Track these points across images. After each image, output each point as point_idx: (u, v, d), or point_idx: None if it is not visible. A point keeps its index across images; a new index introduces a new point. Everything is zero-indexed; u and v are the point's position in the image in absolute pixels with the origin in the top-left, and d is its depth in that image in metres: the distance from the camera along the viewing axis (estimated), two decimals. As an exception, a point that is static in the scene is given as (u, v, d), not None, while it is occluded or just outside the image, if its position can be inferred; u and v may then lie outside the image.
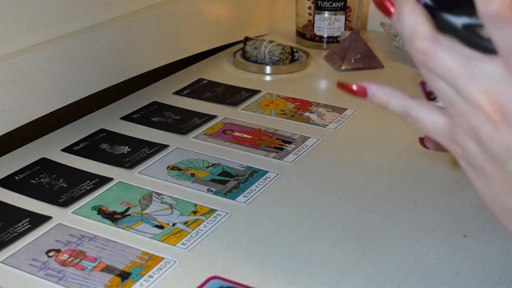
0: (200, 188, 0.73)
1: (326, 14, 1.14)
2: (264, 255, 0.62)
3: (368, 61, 1.08)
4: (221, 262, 0.62)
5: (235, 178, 0.75)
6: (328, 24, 1.15)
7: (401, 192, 0.73)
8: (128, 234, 0.65)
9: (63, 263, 0.61)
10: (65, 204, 0.70)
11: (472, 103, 0.40)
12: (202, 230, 0.66)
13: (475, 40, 0.39)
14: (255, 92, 0.99)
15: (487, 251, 0.63)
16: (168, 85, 1.01)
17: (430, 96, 0.53)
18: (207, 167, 0.77)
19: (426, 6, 0.42)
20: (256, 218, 0.68)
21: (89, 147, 0.82)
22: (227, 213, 0.69)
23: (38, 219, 0.68)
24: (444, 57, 0.40)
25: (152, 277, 0.59)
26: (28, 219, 0.67)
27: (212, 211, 0.69)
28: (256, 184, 0.74)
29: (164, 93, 0.98)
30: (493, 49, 0.39)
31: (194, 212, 0.69)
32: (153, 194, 0.72)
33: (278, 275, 0.60)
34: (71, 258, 0.62)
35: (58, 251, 0.63)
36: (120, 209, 0.69)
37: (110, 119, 0.90)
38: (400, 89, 0.48)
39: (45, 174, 0.76)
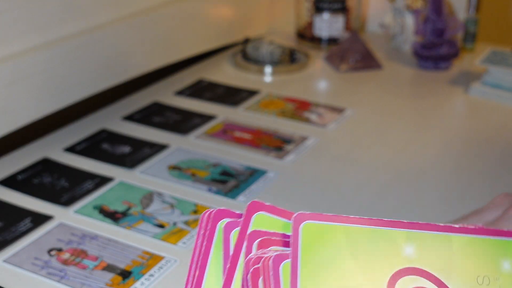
0: (200, 188, 0.74)
1: (326, 15, 1.15)
2: (263, 254, 0.63)
3: (367, 61, 1.08)
4: (221, 261, 0.62)
5: (236, 177, 0.76)
6: (328, 25, 1.15)
7: (400, 192, 0.74)
8: (129, 233, 0.66)
9: (65, 262, 0.62)
10: (67, 203, 0.71)
11: None
12: (203, 229, 0.66)
13: None
14: (255, 92, 0.99)
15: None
16: (169, 85, 1.02)
17: None
18: (208, 167, 0.78)
19: None
20: (256, 217, 0.69)
21: (90, 147, 0.83)
22: (227, 213, 0.69)
23: (40, 219, 0.68)
24: None
25: (153, 275, 0.60)
26: (30, 219, 0.68)
27: (212, 210, 0.69)
28: (256, 183, 0.74)
29: (165, 93, 0.99)
30: None
31: (195, 211, 0.69)
32: (154, 194, 0.72)
33: (277, 274, 0.60)
34: (73, 257, 0.62)
35: (60, 250, 0.63)
36: (121, 208, 0.70)
37: (112, 119, 0.90)
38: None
39: (47, 173, 0.77)
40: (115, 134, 0.86)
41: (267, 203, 0.39)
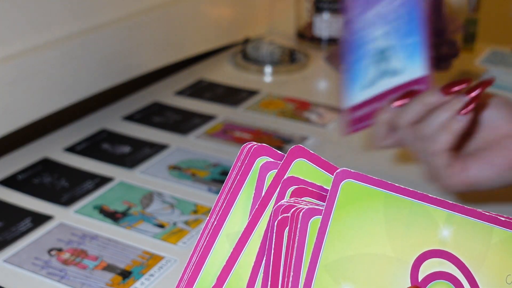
0: (200, 188, 0.74)
1: (326, 15, 1.15)
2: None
3: (367, 61, 1.08)
4: (221, 260, 0.62)
5: (235, 177, 0.76)
6: (328, 25, 1.15)
7: (399, 192, 0.74)
8: (129, 233, 0.66)
9: (65, 262, 0.62)
10: (67, 203, 0.71)
11: None
12: (203, 229, 0.66)
13: None
14: (255, 92, 0.99)
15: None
16: (169, 85, 1.02)
17: None
18: (208, 167, 0.78)
19: None
20: (256, 217, 0.69)
21: (90, 147, 0.83)
22: (227, 213, 0.69)
23: (40, 218, 0.68)
24: None
25: (153, 275, 0.60)
26: (30, 219, 0.68)
27: (212, 210, 0.69)
28: (256, 183, 0.74)
29: (165, 93, 0.99)
30: None
31: (195, 211, 0.69)
32: (154, 194, 0.73)
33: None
34: (73, 257, 0.62)
35: (60, 250, 0.63)
36: (121, 208, 0.70)
37: (112, 119, 0.90)
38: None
39: (47, 173, 0.77)
40: (115, 134, 0.86)
41: (312, 151, 0.37)
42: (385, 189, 0.36)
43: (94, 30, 0.86)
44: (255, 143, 0.40)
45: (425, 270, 0.36)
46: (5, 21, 0.75)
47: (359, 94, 0.70)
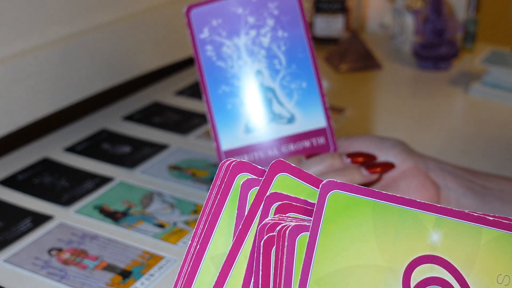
0: (200, 188, 0.74)
1: (325, 15, 1.15)
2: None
3: (366, 62, 1.08)
4: (221, 260, 0.62)
5: (235, 177, 0.75)
6: (327, 25, 1.15)
7: (399, 192, 0.74)
8: (129, 233, 0.66)
9: (65, 262, 0.62)
10: (67, 203, 0.71)
11: None
12: (203, 229, 0.66)
13: None
14: (255, 92, 0.99)
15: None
16: (169, 85, 1.02)
17: None
18: (208, 167, 0.78)
19: None
20: (256, 217, 0.69)
21: (90, 147, 0.83)
22: (227, 213, 0.69)
23: (40, 218, 0.68)
24: None
25: (153, 275, 0.60)
26: (30, 218, 0.68)
27: (212, 210, 0.69)
28: (256, 183, 0.74)
29: (165, 93, 0.99)
30: None
31: (195, 211, 0.69)
32: (154, 194, 0.73)
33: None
34: (73, 257, 0.62)
35: (60, 249, 0.63)
36: (121, 208, 0.70)
37: (112, 119, 0.90)
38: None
39: (47, 173, 0.77)
40: (115, 134, 0.86)
41: (294, 165, 0.37)
42: (372, 198, 0.36)
43: (94, 30, 0.86)
44: (234, 159, 0.39)
45: (416, 277, 0.36)
46: (5, 21, 0.75)
47: (242, 137, 0.63)
